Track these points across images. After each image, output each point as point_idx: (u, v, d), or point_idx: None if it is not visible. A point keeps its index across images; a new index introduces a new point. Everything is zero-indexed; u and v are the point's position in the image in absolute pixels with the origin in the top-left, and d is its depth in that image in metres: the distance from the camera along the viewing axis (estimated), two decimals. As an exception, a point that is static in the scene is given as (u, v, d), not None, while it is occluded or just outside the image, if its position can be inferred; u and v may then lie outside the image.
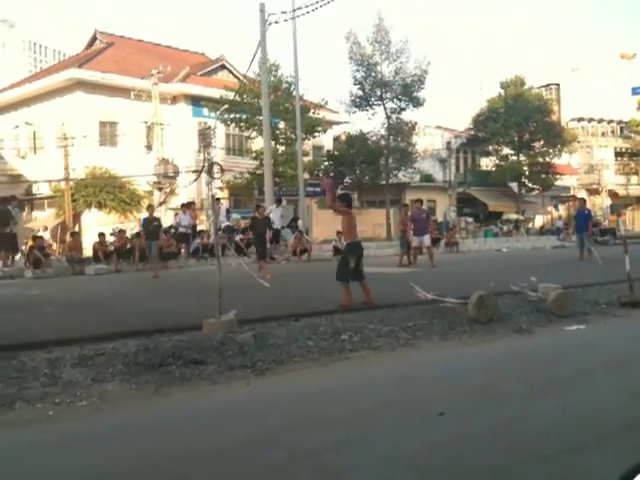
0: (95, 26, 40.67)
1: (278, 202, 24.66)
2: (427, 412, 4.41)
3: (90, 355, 6.27)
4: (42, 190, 32.62)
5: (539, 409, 4.52)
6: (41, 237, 21.23)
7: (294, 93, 28.45)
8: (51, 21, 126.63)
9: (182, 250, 21.07)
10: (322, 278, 11.62)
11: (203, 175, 28.37)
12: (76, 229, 28.15)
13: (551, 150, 43.13)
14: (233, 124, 32.64)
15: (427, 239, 17.96)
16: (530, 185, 43.99)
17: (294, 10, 23.87)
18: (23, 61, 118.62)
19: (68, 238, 23.04)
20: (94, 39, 39.58)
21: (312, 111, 32.35)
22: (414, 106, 35.87)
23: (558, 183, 45.54)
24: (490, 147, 44.32)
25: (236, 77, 35.43)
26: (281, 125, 31.60)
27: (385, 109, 35.56)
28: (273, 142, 28.64)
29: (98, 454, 3.77)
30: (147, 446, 3.90)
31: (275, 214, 22.06)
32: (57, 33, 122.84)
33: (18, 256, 20.11)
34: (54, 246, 27.31)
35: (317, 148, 38.29)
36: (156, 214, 30.64)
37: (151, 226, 17.67)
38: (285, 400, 5.02)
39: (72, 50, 58.78)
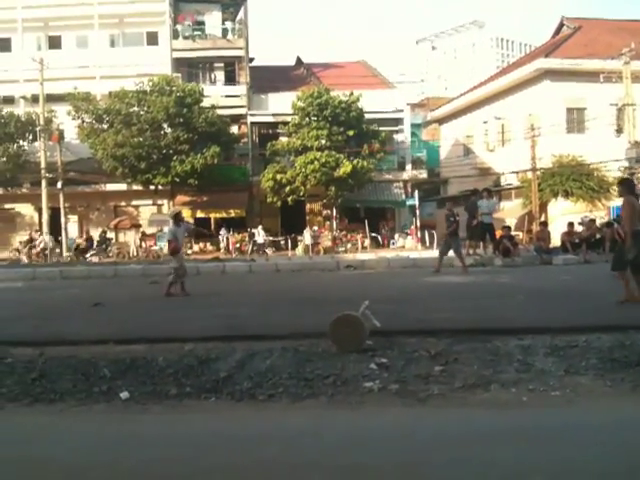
0: (562, 13, 40.11)
1: None
2: None
3: (562, 346, 6.20)
4: (509, 181, 33.83)
5: None
6: (509, 227, 21.95)
7: None
8: (517, 16, 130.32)
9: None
10: None
11: (683, 157, 25.33)
12: (542, 219, 28.33)
13: None
14: None
15: None
16: None
17: None
18: (491, 58, 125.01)
19: (535, 228, 23.34)
20: (561, 26, 39.06)
21: None
22: None
23: None
24: None
25: None
26: None
27: None
28: None
29: (573, 447, 3.66)
30: (627, 447, 3.65)
31: None
32: (523, 27, 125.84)
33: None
34: (520, 235, 28.05)
35: None
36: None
37: (447, 222, 15.86)
38: None
39: (538, 41, 59.38)
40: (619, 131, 30.91)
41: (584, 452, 3.58)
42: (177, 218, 12.88)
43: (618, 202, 28.70)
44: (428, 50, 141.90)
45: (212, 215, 32.21)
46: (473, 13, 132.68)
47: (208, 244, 31.95)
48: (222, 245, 30.61)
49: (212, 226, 31.51)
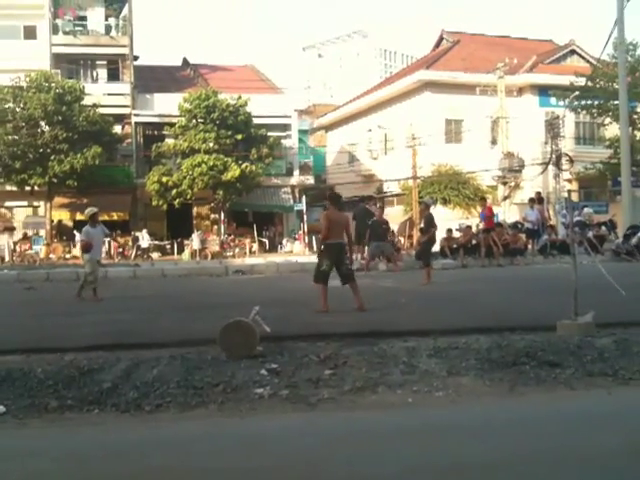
0: (442, 27, 41.92)
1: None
2: None
3: (444, 347, 6.47)
4: (392, 188, 34.92)
5: None
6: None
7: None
8: (400, 28, 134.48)
9: (529, 246, 20.51)
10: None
11: (550, 167, 27.21)
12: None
13: None
14: (584, 111, 30.73)
15: None
16: None
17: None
18: (375, 68, 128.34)
19: (416, 234, 24.22)
20: (441, 39, 40.86)
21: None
22: None
23: None
24: None
25: (588, 62, 33.29)
26: (640, 109, 28.65)
27: None
28: (630, 128, 26.11)
29: (458, 444, 3.83)
30: (507, 443, 3.85)
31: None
32: (406, 39, 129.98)
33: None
34: (402, 241, 29.00)
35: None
36: (500, 209, 30.63)
37: (380, 229, 17.73)
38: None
39: (420, 53, 61.59)
40: (493, 142, 32.84)
41: (469, 450, 3.76)
42: (94, 219, 12.54)
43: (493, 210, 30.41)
44: (314, 57, 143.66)
45: (93, 218, 30.87)
46: (358, 23, 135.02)
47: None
48: (104, 249, 29.41)
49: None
